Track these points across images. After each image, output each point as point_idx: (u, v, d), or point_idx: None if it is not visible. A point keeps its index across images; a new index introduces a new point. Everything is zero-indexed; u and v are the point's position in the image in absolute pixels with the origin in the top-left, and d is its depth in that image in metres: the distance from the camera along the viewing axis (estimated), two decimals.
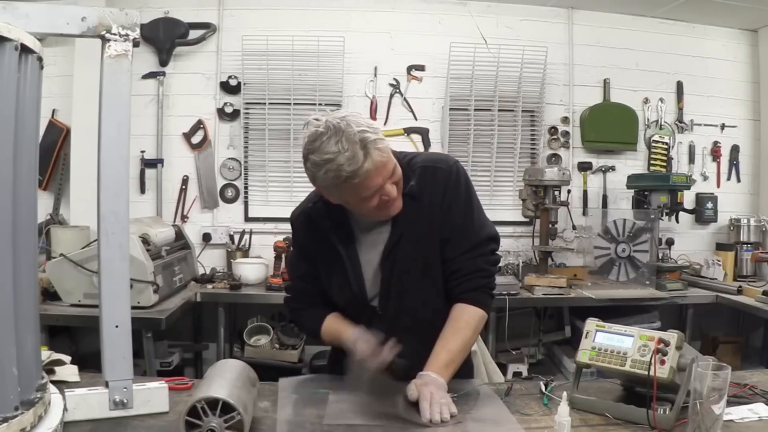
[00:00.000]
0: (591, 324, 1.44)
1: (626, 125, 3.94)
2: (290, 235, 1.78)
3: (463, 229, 1.54)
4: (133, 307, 1.38)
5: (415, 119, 3.84)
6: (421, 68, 3.85)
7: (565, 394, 1.23)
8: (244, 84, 3.73)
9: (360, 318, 1.57)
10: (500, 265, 3.73)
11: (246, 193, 3.79)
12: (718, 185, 4.09)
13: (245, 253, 3.62)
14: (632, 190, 3.77)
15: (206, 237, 3.71)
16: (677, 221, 3.81)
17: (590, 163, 3.98)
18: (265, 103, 3.72)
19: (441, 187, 1.52)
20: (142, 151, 3.65)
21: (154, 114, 3.69)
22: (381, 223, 1.53)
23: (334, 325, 1.60)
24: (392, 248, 1.51)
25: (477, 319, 1.52)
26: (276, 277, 3.30)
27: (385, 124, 3.79)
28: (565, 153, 3.99)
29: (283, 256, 3.47)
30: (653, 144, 3.96)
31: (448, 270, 1.55)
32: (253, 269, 3.39)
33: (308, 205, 1.59)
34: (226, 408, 1.13)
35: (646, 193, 3.63)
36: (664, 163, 3.94)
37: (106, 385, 1.25)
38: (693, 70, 4.04)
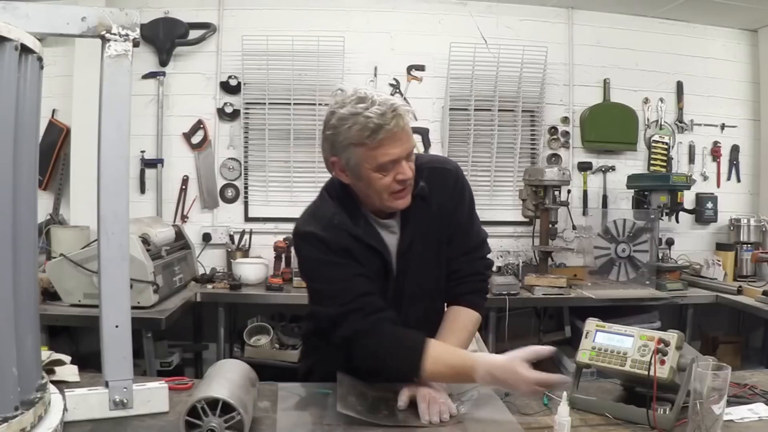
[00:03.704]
0: (591, 324, 1.44)
1: (626, 125, 3.94)
2: (299, 243, 1.49)
3: (465, 229, 1.57)
4: (133, 307, 1.38)
5: (415, 119, 3.83)
6: (421, 68, 3.85)
7: (565, 394, 1.23)
8: (244, 84, 3.72)
9: None
10: (500, 265, 3.76)
11: (246, 193, 3.78)
12: (718, 185, 4.09)
13: (245, 253, 3.62)
14: (632, 190, 3.76)
15: (206, 237, 3.71)
16: (677, 221, 3.80)
17: (590, 163, 3.98)
18: (265, 103, 3.72)
19: (450, 188, 1.54)
20: (142, 151, 3.65)
21: (154, 114, 3.69)
22: (390, 224, 1.50)
23: (447, 352, 1.37)
24: (406, 250, 1.50)
25: (473, 322, 1.55)
26: (276, 277, 3.30)
27: None
28: (565, 153, 3.98)
29: (283, 256, 3.47)
30: (653, 144, 3.96)
31: (448, 269, 1.56)
32: (253, 269, 3.38)
33: (331, 219, 1.44)
34: (226, 408, 1.13)
35: (646, 193, 3.63)
36: (664, 163, 3.94)
37: (106, 385, 1.25)
38: (693, 70, 4.04)
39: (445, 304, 1.60)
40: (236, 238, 3.66)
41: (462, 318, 1.53)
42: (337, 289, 1.41)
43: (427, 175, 1.50)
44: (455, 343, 1.47)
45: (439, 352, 1.37)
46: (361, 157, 1.34)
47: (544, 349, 1.31)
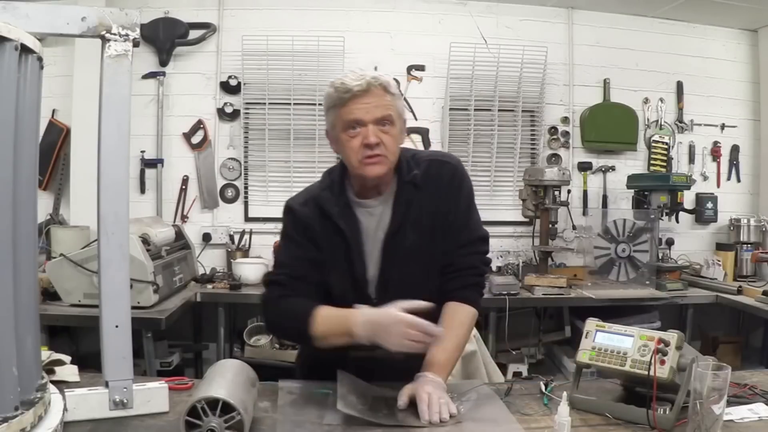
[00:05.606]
0: (591, 324, 1.44)
1: (626, 125, 3.94)
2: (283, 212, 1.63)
3: (461, 223, 1.56)
4: (133, 307, 1.38)
5: (415, 119, 3.83)
6: (421, 68, 3.85)
7: (565, 394, 1.23)
8: (244, 84, 3.73)
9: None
10: (500, 265, 3.76)
11: (246, 193, 3.79)
12: (718, 185, 4.10)
13: (245, 253, 3.62)
14: (632, 190, 3.77)
15: (206, 237, 3.71)
16: (677, 221, 3.81)
17: (590, 163, 3.98)
18: (265, 103, 3.72)
19: (447, 180, 1.55)
20: (142, 151, 3.65)
21: (154, 114, 3.69)
22: (381, 210, 1.53)
23: (332, 311, 1.45)
24: (393, 235, 1.51)
25: (470, 318, 1.55)
26: None
27: None
28: (565, 153, 3.99)
29: None
30: (653, 144, 3.97)
31: (442, 262, 1.56)
32: (253, 269, 3.38)
33: (316, 192, 1.57)
34: (226, 408, 1.13)
35: (646, 193, 3.63)
36: (664, 163, 3.94)
37: (106, 385, 1.25)
38: (693, 70, 4.04)
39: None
40: (236, 238, 3.66)
41: (458, 315, 1.52)
42: (281, 260, 1.57)
43: (425, 166, 1.55)
44: (453, 341, 1.47)
45: (324, 313, 1.44)
46: (335, 118, 1.46)
47: (421, 303, 1.35)
